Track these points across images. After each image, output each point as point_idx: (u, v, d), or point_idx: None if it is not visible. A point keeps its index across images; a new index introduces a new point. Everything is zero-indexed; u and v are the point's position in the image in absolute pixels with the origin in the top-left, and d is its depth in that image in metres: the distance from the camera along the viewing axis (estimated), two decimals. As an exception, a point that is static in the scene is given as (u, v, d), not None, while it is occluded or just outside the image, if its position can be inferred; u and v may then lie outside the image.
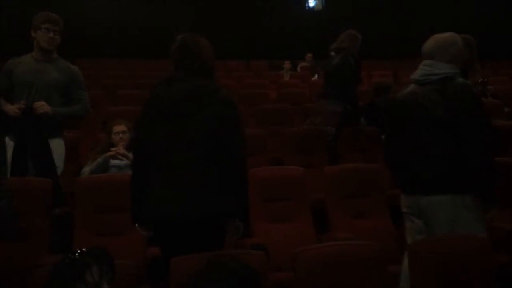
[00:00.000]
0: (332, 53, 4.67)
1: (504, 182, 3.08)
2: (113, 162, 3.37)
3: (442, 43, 2.56)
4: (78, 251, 1.70)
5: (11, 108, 2.96)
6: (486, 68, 8.67)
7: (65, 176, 3.23)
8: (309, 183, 3.42)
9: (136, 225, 2.21)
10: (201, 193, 2.04)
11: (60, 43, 3.14)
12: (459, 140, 2.41)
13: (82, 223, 2.87)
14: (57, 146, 3.12)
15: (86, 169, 3.39)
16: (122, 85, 6.99)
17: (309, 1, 11.88)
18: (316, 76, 8.93)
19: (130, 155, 3.25)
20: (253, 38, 11.09)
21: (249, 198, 2.19)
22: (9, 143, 2.93)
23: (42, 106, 2.96)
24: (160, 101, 2.14)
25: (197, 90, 2.12)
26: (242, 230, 2.16)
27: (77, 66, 3.30)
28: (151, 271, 2.40)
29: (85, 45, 9.87)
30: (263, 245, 2.55)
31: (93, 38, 10.36)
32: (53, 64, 3.13)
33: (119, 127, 3.49)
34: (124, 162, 3.35)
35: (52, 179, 2.95)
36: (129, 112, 4.56)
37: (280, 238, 2.97)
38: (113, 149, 3.42)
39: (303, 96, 6.82)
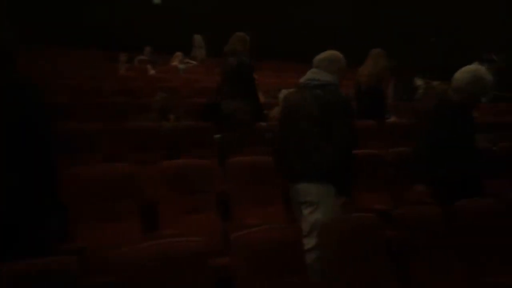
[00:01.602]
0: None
1: (370, 170, 3.82)
2: None
3: (329, 58, 3.07)
4: None
5: None
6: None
7: None
8: (144, 180, 3.34)
9: None
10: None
11: None
12: (328, 138, 2.87)
13: None
14: None
15: None
16: None
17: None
18: (153, 71, 8.81)
19: None
20: (90, 27, 10.52)
21: (66, 198, 2.05)
22: None
23: None
24: None
25: None
26: (57, 231, 2.01)
27: None
28: None
29: None
30: (81, 248, 2.41)
31: None
32: None
33: None
34: None
35: None
36: None
37: (105, 240, 2.82)
38: None
39: (139, 90, 6.66)
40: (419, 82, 7.70)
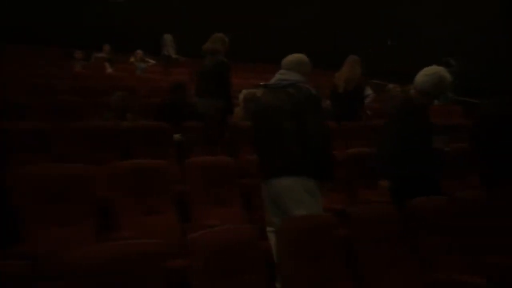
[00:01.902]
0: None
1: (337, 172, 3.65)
2: None
3: (298, 60, 3.18)
4: None
5: None
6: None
7: None
8: (99, 181, 3.25)
9: None
10: None
11: None
12: (304, 133, 2.93)
13: None
14: None
15: None
16: None
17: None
18: (111, 69, 8.63)
19: None
20: (47, 23, 10.17)
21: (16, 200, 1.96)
22: None
23: None
24: None
25: None
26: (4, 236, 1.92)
27: None
28: None
29: None
30: (32, 252, 2.31)
31: None
32: None
33: None
34: None
35: None
36: None
37: (58, 243, 2.72)
38: None
39: (95, 89, 6.49)
40: (369, 91, 7.94)
